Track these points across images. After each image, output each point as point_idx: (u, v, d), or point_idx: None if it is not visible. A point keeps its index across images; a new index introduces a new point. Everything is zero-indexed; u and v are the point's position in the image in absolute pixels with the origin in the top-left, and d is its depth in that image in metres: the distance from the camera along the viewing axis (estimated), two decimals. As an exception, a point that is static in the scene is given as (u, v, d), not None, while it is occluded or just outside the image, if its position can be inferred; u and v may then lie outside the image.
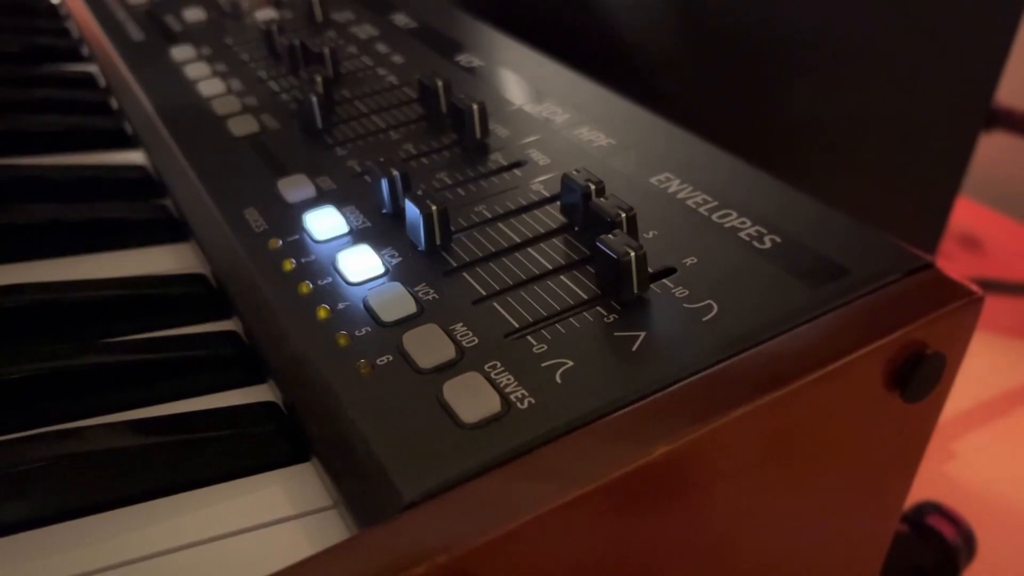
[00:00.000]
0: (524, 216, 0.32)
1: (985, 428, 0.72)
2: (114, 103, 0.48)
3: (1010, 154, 0.98)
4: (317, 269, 0.30)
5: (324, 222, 0.32)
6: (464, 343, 0.26)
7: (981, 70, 0.64)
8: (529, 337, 0.26)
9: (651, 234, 0.30)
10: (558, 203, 0.32)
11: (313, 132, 0.39)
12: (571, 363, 0.25)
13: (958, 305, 0.27)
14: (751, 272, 0.28)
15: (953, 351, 0.28)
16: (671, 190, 0.32)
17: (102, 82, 0.51)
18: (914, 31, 0.60)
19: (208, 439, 0.27)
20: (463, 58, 0.44)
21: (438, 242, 0.30)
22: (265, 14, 0.51)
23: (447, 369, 0.25)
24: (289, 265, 0.31)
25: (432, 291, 0.29)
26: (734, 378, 0.24)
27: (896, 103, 0.63)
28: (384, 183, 0.32)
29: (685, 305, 0.27)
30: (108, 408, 0.29)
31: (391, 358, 0.26)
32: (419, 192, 0.31)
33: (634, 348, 0.25)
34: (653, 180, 0.33)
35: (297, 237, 0.32)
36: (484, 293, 0.28)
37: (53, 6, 0.62)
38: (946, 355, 0.27)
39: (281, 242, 0.32)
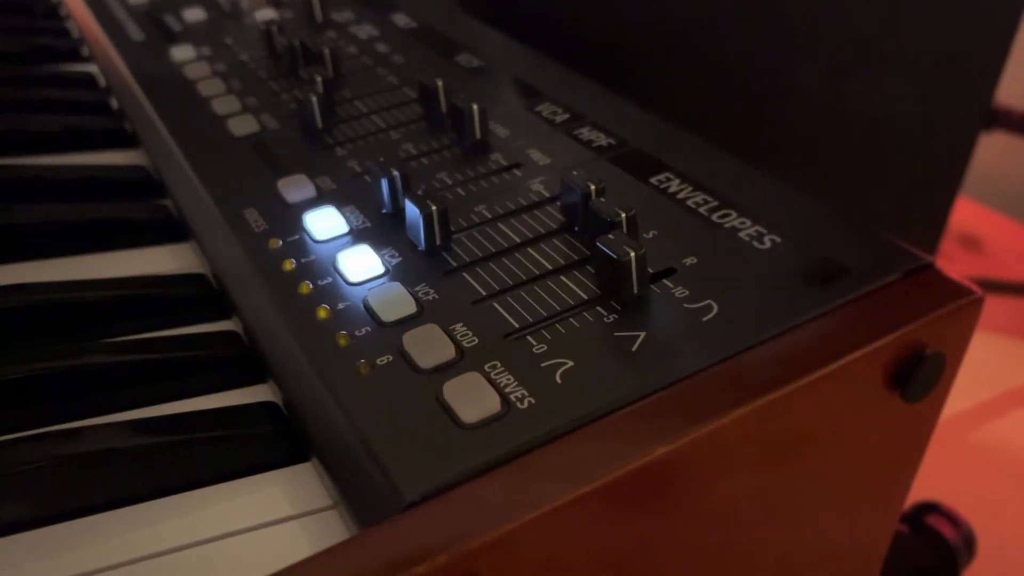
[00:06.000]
0: (524, 216, 0.32)
1: (985, 428, 0.72)
2: (114, 103, 0.48)
3: (1010, 154, 0.98)
4: (317, 269, 0.30)
5: (324, 222, 0.32)
6: (464, 343, 0.26)
7: (981, 70, 0.64)
8: (529, 337, 0.26)
9: (651, 234, 0.30)
10: (558, 203, 0.32)
11: (313, 132, 0.39)
12: (571, 363, 0.25)
13: (958, 305, 0.27)
14: (751, 272, 0.28)
15: (953, 351, 0.28)
16: (671, 190, 0.32)
17: (102, 82, 0.51)
18: (914, 31, 0.60)
19: (208, 439, 0.27)
20: (463, 58, 0.44)
21: (438, 242, 0.30)
22: (265, 14, 0.51)
23: (447, 369, 0.25)
24: (289, 265, 0.31)
25: (432, 291, 0.29)
26: (734, 378, 0.24)
27: (896, 103, 0.63)
28: (384, 183, 0.32)
29: (685, 305, 0.27)
30: (108, 408, 0.29)
31: (391, 358, 0.26)
32: (419, 192, 0.31)
33: (634, 348, 0.25)
34: (653, 180, 0.33)
35: (297, 237, 0.32)
36: (484, 293, 0.28)
37: (53, 6, 0.62)
38: (946, 355, 0.27)
39: (281, 242, 0.32)
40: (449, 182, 0.34)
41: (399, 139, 0.38)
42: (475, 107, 0.36)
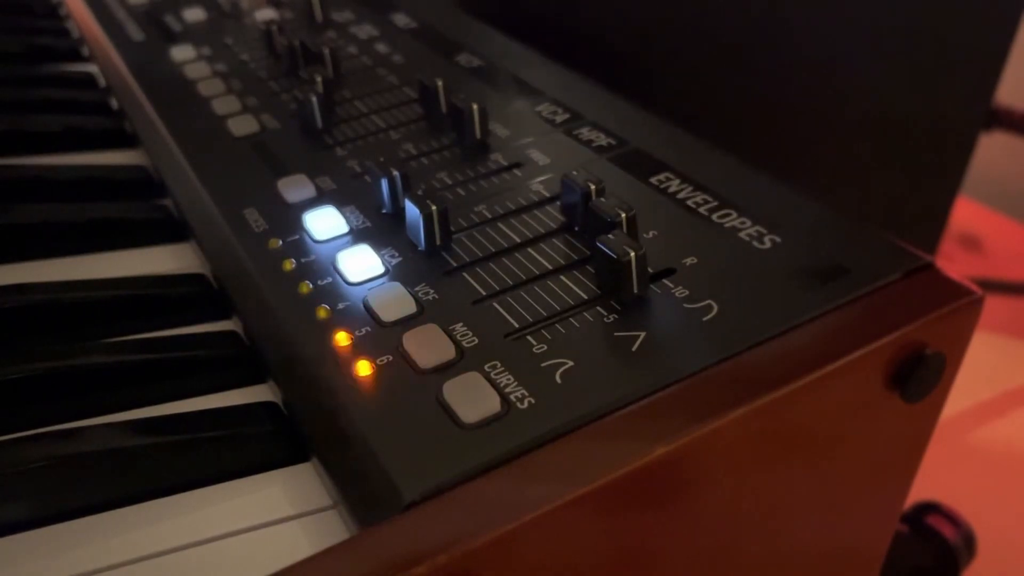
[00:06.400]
0: (524, 216, 0.32)
1: (985, 428, 0.72)
2: (114, 103, 0.48)
3: (1010, 154, 0.98)
4: (317, 269, 0.30)
5: (324, 222, 0.32)
6: (464, 343, 0.26)
7: (981, 70, 0.64)
8: (529, 337, 0.26)
9: (651, 234, 0.30)
10: (558, 203, 0.32)
11: (313, 132, 0.39)
12: (571, 363, 0.25)
13: (958, 305, 0.27)
14: (751, 272, 0.28)
15: (953, 351, 0.28)
16: (671, 190, 0.32)
17: (102, 82, 0.51)
18: (914, 31, 0.60)
19: (208, 439, 0.27)
20: (463, 58, 0.44)
21: (438, 242, 0.30)
22: (265, 14, 0.51)
23: (447, 369, 0.25)
24: (289, 265, 0.31)
25: (432, 291, 0.29)
26: (734, 378, 0.24)
27: (896, 103, 0.63)
28: (384, 183, 0.32)
29: (685, 305, 0.27)
30: (108, 408, 0.29)
31: (391, 358, 0.26)
32: (419, 192, 0.31)
33: (634, 348, 0.25)
34: (653, 180, 0.33)
35: (297, 237, 0.32)
36: (484, 293, 0.28)
37: (53, 6, 0.62)
38: (946, 355, 0.27)
39: (281, 242, 0.32)
40: (449, 182, 0.34)
41: (399, 139, 0.38)
42: (475, 107, 0.36)
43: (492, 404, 0.24)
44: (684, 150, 0.34)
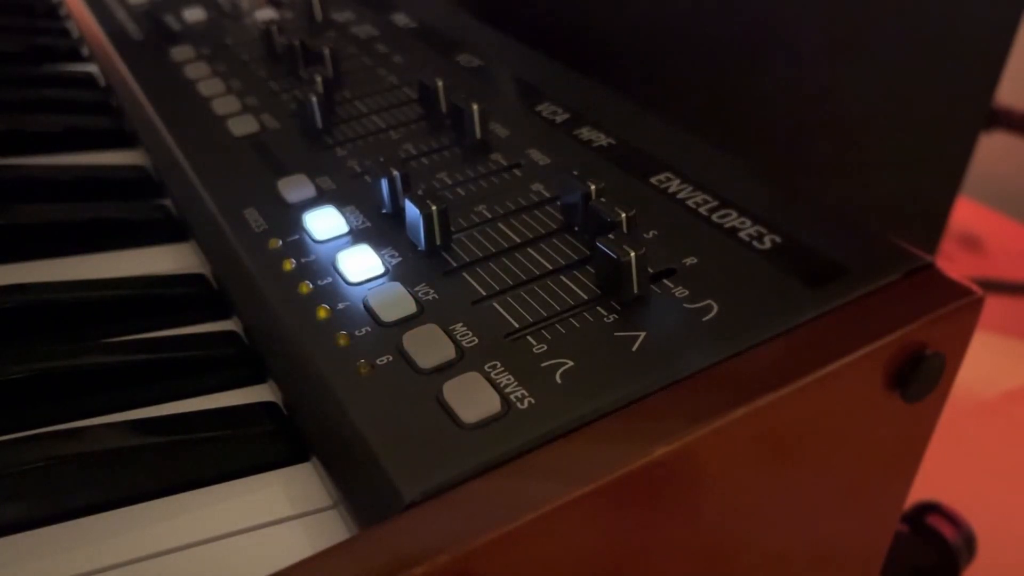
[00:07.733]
0: (524, 216, 0.32)
1: (985, 428, 0.72)
2: (114, 103, 0.48)
3: (1010, 154, 0.98)
4: (317, 269, 0.30)
5: (324, 222, 0.32)
6: (464, 343, 0.26)
7: (981, 70, 0.64)
8: (529, 337, 0.26)
9: (651, 234, 0.30)
10: (558, 203, 0.32)
11: (313, 132, 0.39)
12: (571, 363, 0.25)
13: (958, 305, 0.27)
14: (751, 272, 0.28)
15: (953, 351, 0.28)
16: (671, 190, 0.32)
17: (102, 82, 0.51)
18: (914, 31, 0.60)
19: (208, 439, 0.27)
20: (463, 58, 0.44)
21: (438, 242, 0.30)
22: (265, 14, 0.51)
23: (447, 369, 0.25)
24: (289, 265, 0.31)
25: (432, 291, 0.29)
26: (734, 378, 0.24)
27: (896, 103, 0.63)
28: (384, 183, 0.32)
29: (685, 305, 0.27)
30: (108, 408, 0.29)
31: (391, 358, 0.26)
32: (419, 192, 0.31)
33: (634, 348, 0.25)
34: (653, 180, 0.33)
35: (297, 237, 0.32)
36: (484, 293, 0.28)
37: (53, 6, 0.62)
38: (946, 355, 0.27)
39: (281, 242, 0.32)
40: (449, 182, 0.34)
41: (399, 139, 0.38)
42: (475, 107, 0.36)
43: (492, 404, 0.24)
44: (684, 150, 0.34)
